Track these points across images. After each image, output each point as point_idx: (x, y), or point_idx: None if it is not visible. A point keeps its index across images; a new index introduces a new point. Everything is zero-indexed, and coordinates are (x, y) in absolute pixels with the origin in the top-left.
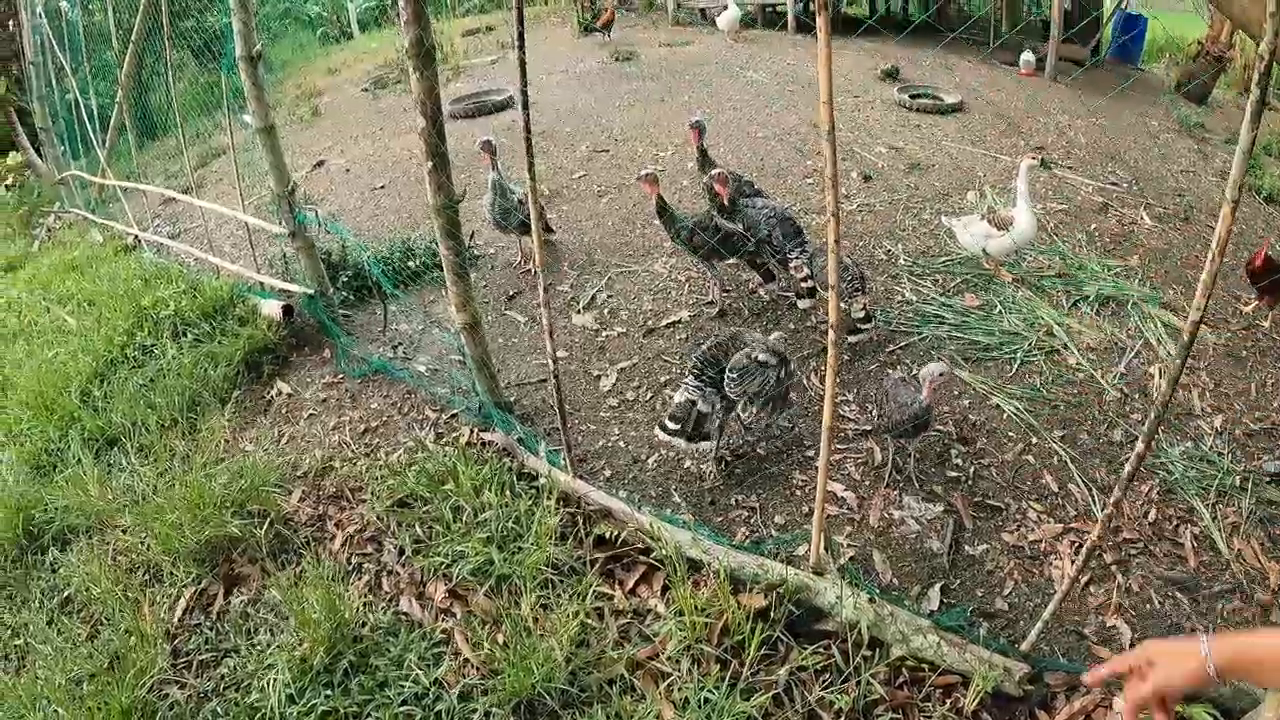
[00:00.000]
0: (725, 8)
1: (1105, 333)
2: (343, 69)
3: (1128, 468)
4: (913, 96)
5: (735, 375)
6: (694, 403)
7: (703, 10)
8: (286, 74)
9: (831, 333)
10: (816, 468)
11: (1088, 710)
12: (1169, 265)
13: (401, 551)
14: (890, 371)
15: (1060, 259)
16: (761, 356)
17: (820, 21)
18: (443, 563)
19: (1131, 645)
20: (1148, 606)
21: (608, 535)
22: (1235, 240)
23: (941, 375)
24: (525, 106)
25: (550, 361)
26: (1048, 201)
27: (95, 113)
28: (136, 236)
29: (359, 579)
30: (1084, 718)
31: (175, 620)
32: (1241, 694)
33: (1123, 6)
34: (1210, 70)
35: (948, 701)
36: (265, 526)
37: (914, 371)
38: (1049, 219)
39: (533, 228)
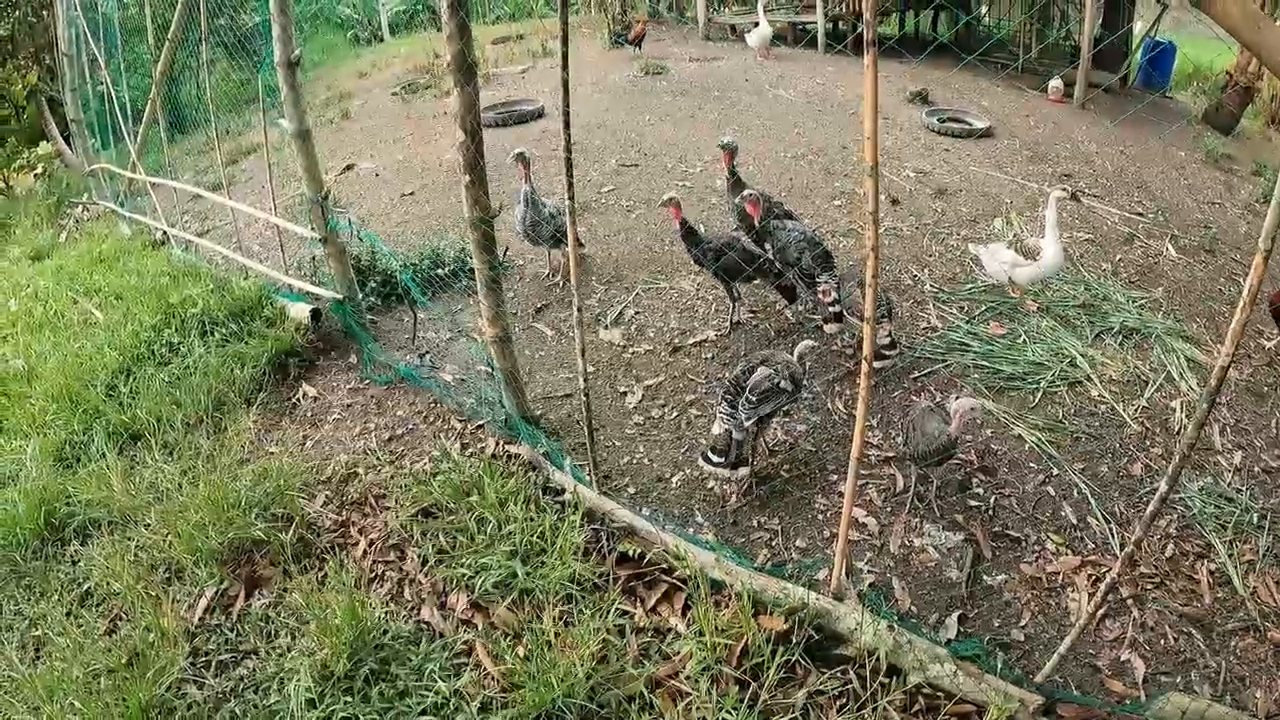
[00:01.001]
0: (756, 25)
1: (1128, 365)
2: (373, 72)
3: (1150, 507)
4: (941, 120)
5: (754, 398)
6: (730, 432)
7: (733, 26)
8: (316, 75)
9: (865, 365)
10: (839, 493)
11: None
12: (1193, 298)
13: (424, 561)
14: (917, 399)
15: (1085, 289)
16: (783, 384)
17: (868, 59)
18: (465, 574)
19: (1145, 680)
20: (1162, 642)
21: (631, 553)
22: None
23: (973, 410)
24: (567, 125)
25: (581, 380)
26: (1074, 230)
27: (127, 106)
28: (165, 232)
29: (381, 587)
30: None
31: (195, 620)
32: None
33: (1151, 33)
34: (1238, 100)
35: None
36: (289, 530)
37: (939, 400)
38: (1075, 248)
39: (570, 247)
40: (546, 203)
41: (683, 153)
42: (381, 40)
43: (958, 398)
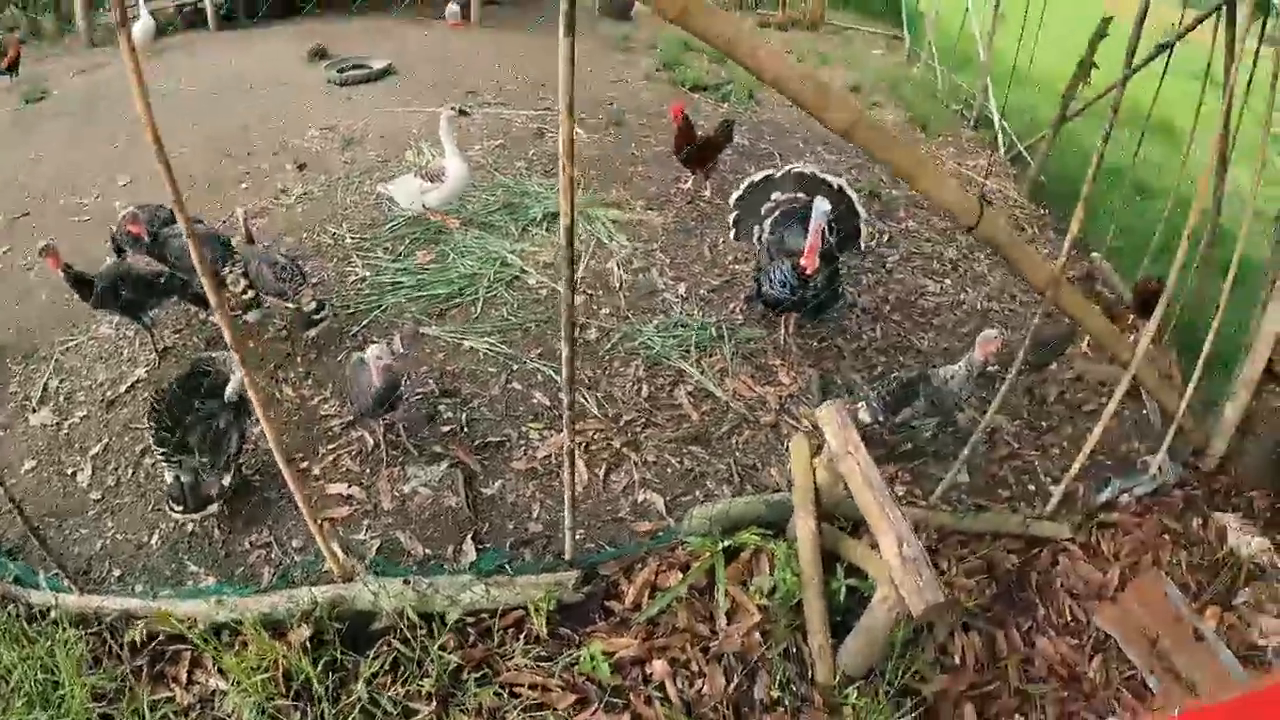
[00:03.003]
0: (137, 19)
1: (557, 246)
2: None
3: (564, 373)
4: (340, 71)
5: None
6: (178, 477)
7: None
8: None
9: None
10: (315, 477)
11: (650, 581)
12: (607, 168)
13: None
14: (352, 356)
15: (504, 191)
16: (222, 422)
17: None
18: None
19: (667, 510)
20: (669, 471)
21: (137, 638)
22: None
23: (382, 357)
24: None
25: None
26: (486, 141)
27: None
28: None
29: None
30: (650, 588)
31: None
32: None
33: None
34: None
35: (521, 635)
36: None
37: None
38: (488, 156)
39: None
40: None
41: (77, 184)
42: None
43: (390, 341)
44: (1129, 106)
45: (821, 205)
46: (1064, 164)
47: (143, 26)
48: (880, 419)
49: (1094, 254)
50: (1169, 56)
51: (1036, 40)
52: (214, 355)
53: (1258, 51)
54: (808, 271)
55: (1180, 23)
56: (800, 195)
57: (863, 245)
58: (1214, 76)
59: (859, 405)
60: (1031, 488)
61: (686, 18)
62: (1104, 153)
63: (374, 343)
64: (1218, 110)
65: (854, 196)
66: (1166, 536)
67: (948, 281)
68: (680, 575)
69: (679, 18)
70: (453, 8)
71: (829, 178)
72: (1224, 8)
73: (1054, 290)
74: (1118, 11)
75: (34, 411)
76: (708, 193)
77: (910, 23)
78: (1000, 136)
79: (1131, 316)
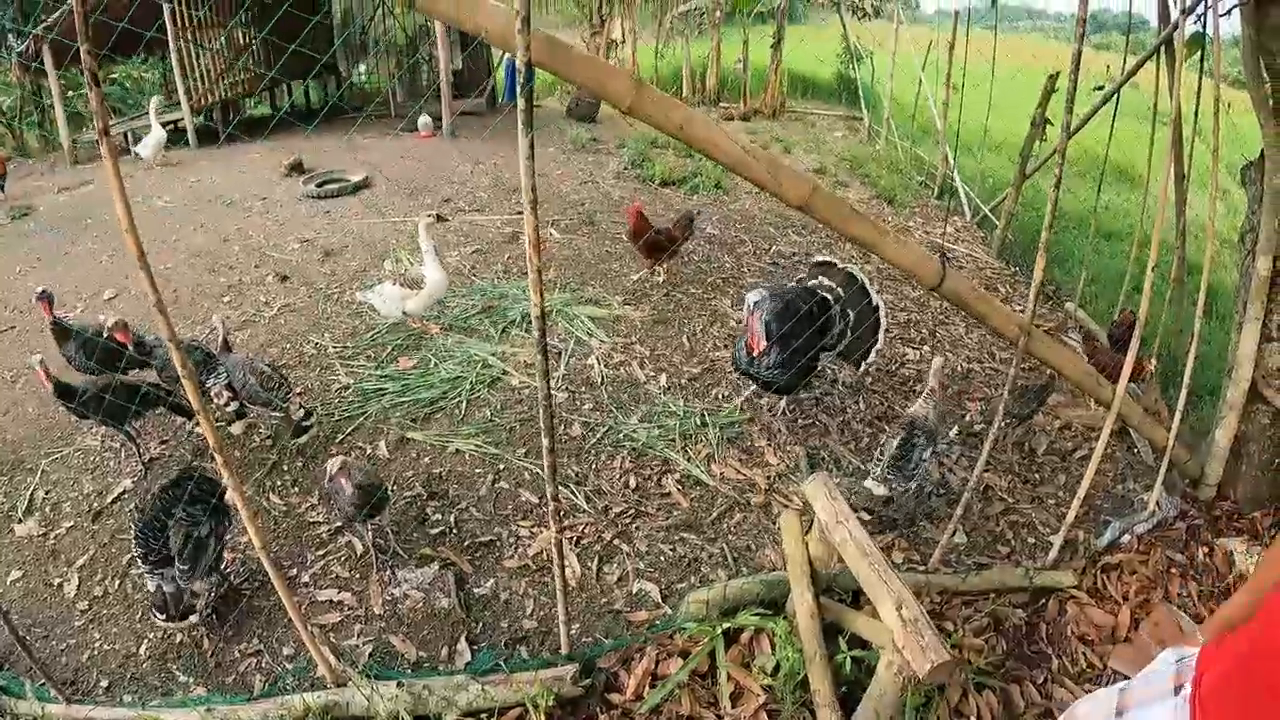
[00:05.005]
0: (149, 130)
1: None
2: None
3: (546, 462)
4: (319, 185)
5: (186, 565)
6: (160, 586)
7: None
8: None
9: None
10: (304, 584)
11: (650, 670)
12: (582, 267)
13: None
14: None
15: (481, 295)
16: (201, 530)
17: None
18: None
19: (663, 599)
20: (662, 559)
21: None
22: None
23: (341, 469)
24: None
25: None
26: (462, 248)
27: None
28: None
29: None
30: (650, 677)
31: None
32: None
33: (508, 56)
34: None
35: None
36: None
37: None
38: (464, 262)
39: None
40: None
41: (61, 298)
42: None
43: (339, 456)
44: (1087, 156)
45: (751, 296)
46: (1029, 221)
47: (155, 138)
48: (895, 487)
49: (1068, 304)
50: (1117, 101)
51: (992, 106)
52: (202, 465)
53: (1199, 85)
54: (753, 351)
55: (1124, 68)
56: (822, 280)
57: (882, 337)
58: (1162, 116)
59: (869, 484)
60: (1031, 540)
61: (640, 109)
62: (1058, 198)
63: (334, 456)
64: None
65: (864, 279)
66: (1173, 570)
67: (926, 348)
68: (680, 662)
69: (633, 110)
70: (424, 120)
71: (834, 261)
72: (1163, 48)
73: (1025, 339)
74: (1064, 67)
75: (19, 522)
76: (668, 286)
77: (868, 102)
78: (965, 201)
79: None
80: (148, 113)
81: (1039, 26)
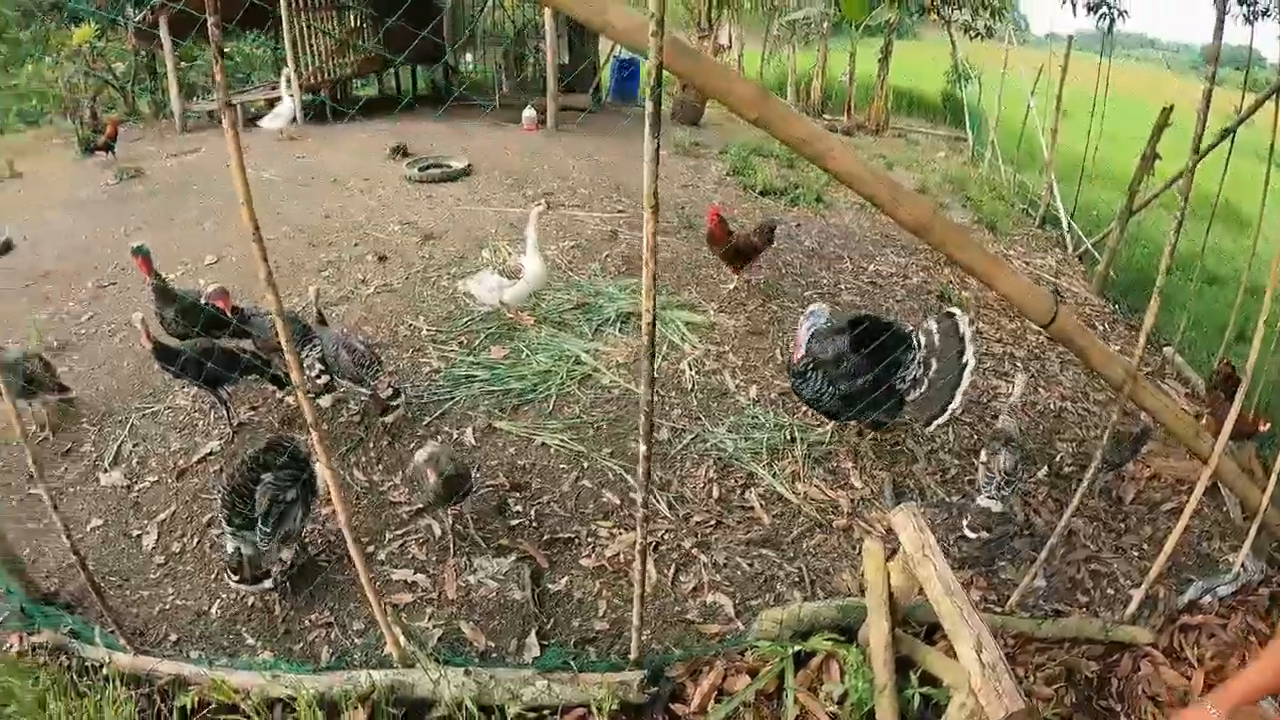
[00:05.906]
0: (280, 100)
1: (631, 346)
2: None
3: (640, 469)
4: (422, 170)
5: (269, 526)
6: (240, 549)
7: (210, 113)
8: None
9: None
10: (380, 562)
11: (717, 685)
12: (679, 270)
13: None
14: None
15: (577, 291)
16: (290, 493)
17: None
18: None
19: (736, 614)
20: (739, 572)
21: (189, 705)
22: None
23: (428, 460)
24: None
25: (64, 537)
26: (560, 242)
27: None
28: None
29: None
30: (716, 691)
31: None
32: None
33: (616, 53)
34: (699, 96)
35: None
36: None
37: (429, 444)
38: (562, 257)
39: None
40: (10, 350)
41: (163, 259)
42: None
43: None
44: (1197, 192)
45: (812, 307)
46: (1131, 257)
47: (286, 108)
48: (1010, 504)
49: (1166, 348)
50: (1233, 139)
51: (1100, 135)
52: (293, 436)
53: None
54: (793, 360)
55: (1241, 106)
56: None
57: (959, 399)
58: (1278, 157)
59: (983, 501)
60: (1111, 591)
61: (765, 120)
62: (1177, 241)
63: (431, 441)
64: None
65: (966, 331)
66: (1253, 637)
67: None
68: (748, 680)
69: (759, 120)
70: (529, 113)
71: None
72: None
73: (1131, 386)
74: (1177, 101)
75: (105, 472)
76: (760, 297)
77: (973, 123)
78: (1068, 233)
79: (1206, 415)
80: (258, 88)
81: (1148, 56)
